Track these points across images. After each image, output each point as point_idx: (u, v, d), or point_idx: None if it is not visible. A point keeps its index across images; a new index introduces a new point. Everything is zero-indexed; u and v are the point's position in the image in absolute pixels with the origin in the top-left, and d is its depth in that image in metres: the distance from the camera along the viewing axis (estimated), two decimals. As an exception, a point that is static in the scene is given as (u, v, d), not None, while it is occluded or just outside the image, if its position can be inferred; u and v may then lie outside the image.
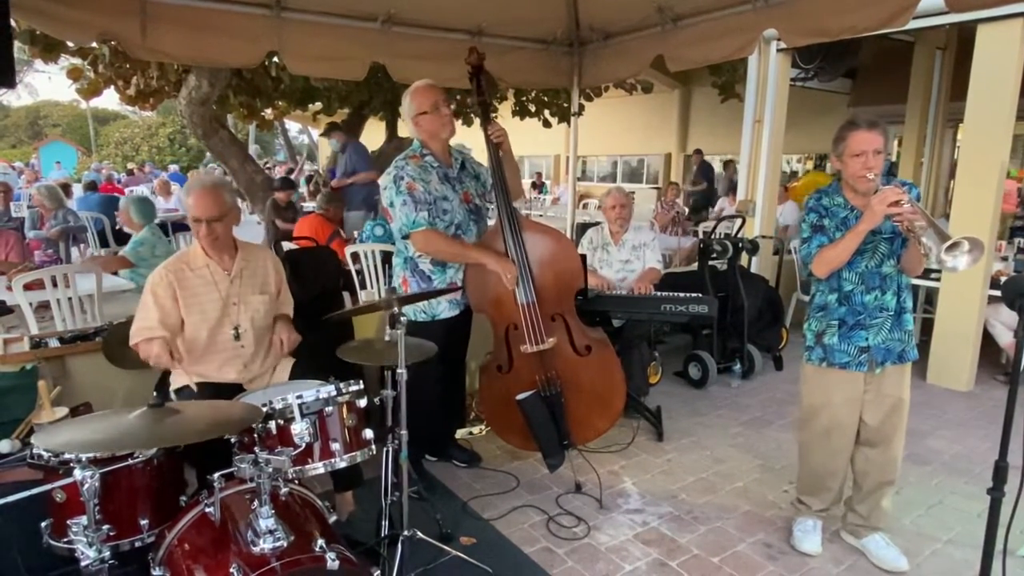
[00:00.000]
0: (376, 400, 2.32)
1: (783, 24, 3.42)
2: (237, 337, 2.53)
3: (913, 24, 3.22)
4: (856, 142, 2.29)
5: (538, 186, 17.04)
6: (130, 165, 23.02)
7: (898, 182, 2.29)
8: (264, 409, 1.96)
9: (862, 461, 2.59)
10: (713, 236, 4.89)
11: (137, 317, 2.43)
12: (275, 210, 6.64)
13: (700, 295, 3.55)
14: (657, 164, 16.83)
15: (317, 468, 2.02)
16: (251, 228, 8.88)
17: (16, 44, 4.85)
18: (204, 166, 20.95)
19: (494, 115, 3.17)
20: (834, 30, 3.29)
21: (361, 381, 2.16)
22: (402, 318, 2.21)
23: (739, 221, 5.57)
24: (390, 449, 2.38)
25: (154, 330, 2.39)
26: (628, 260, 4.09)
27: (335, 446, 2.04)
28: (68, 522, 1.67)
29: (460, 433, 3.58)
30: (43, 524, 1.92)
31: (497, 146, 2.98)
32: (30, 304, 3.82)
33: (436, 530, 2.62)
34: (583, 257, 3.25)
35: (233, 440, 2.02)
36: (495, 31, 4.26)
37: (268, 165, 17.88)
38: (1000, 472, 1.78)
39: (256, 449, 1.93)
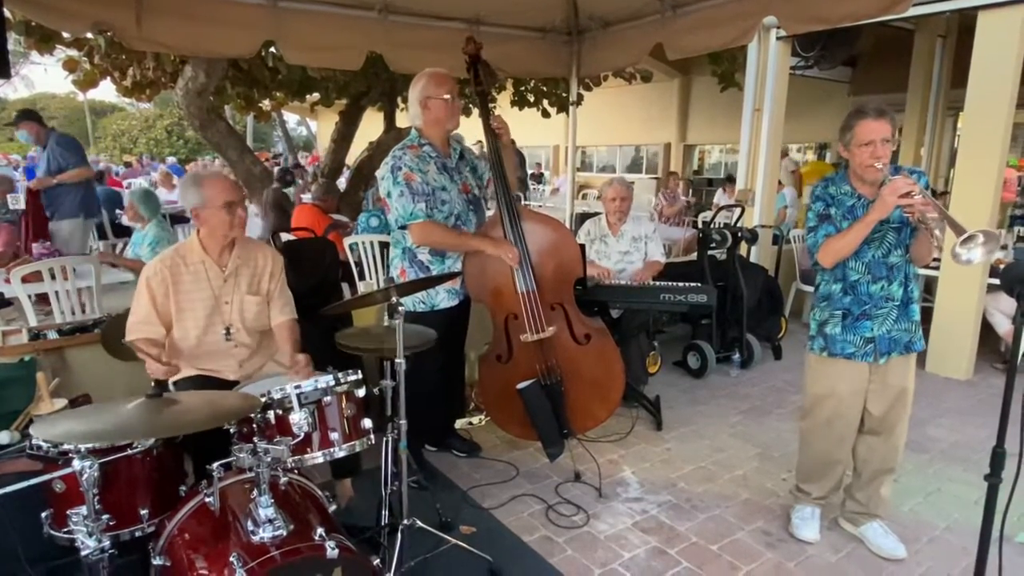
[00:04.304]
0: (376, 390, 2.32)
1: (783, 11, 3.40)
2: (228, 337, 2.49)
3: (914, 11, 3.21)
4: (864, 131, 2.26)
5: (537, 177, 16.98)
6: (127, 158, 22.92)
7: (907, 171, 2.26)
8: (262, 399, 1.96)
9: (864, 449, 2.59)
10: (712, 226, 4.88)
11: (133, 311, 2.41)
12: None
13: (699, 285, 3.55)
14: (657, 154, 16.78)
15: (316, 458, 2.02)
16: (249, 220, 8.86)
17: (12, 35, 4.82)
18: (203, 158, 20.87)
19: (492, 105, 3.15)
20: (834, 17, 3.27)
21: (360, 371, 2.16)
22: (400, 307, 2.20)
23: (738, 211, 5.56)
24: (390, 439, 2.38)
25: (151, 327, 2.38)
26: (627, 252, 4.08)
27: (334, 436, 2.03)
28: (68, 512, 1.68)
29: (460, 423, 3.59)
30: (43, 514, 1.92)
31: (497, 136, 2.97)
32: (29, 296, 3.82)
33: (436, 519, 2.63)
34: (582, 247, 3.25)
35: (232, 430, 2.02)
36: (493, 20, 4.24)
37: (275, 157, 17.86)
38: (997, 458, 1.78)
39: (255, 439, 1.93)
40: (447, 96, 2.87)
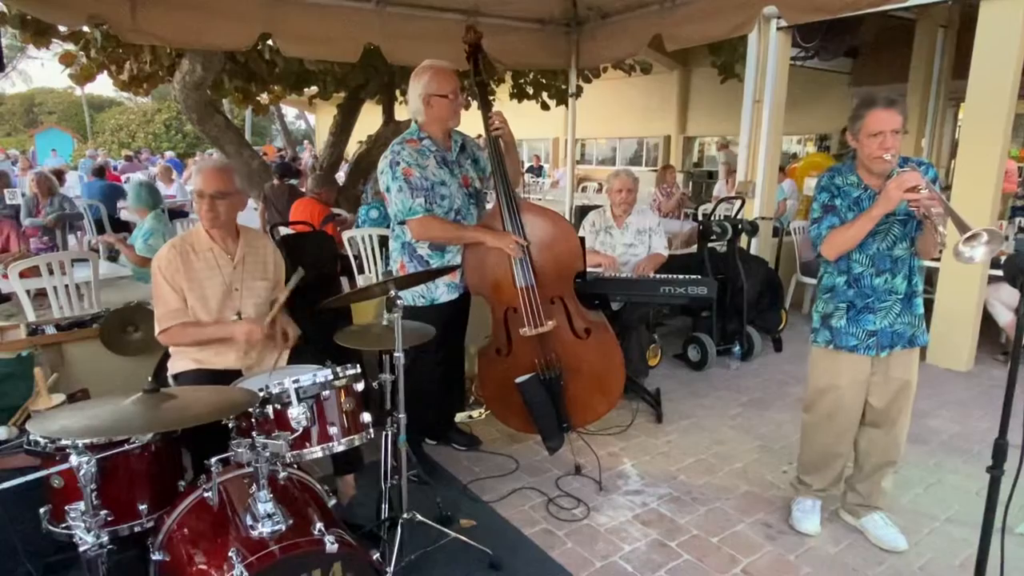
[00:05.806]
0: (375, 384, 2.32)
1: (783, 1, 3.37)
2: None
3: (915, 1, 3.18)
4: (874, 121, 2.21)
5: (536, 170, 16.94)
6: (126, 152, 22.86)
7: (914, 162, 2.23)
8: (261, 394, 1.95)
9: (866, 442, 2.58)
10: (713, 218, 4.87)
11: (159, 304, 2.43)
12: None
13: (699, 277, 3.54)
14: (657, 146, 16.73)
15: (315, 452, 2.02)
16: (250, 215, 8.83)
17: (8, 29, 4.80)
18: (202, 152, 20.83)
19: (492, 98, 3.12)
20: (835, 7, 3.24)
21: (359, 365, 2.15)
22: (399, 301, 2.19)
23: (738, 203, 5.54)
24: (389, 433, 2.38)
25: (181, 312, 2.42)
26: (632, 244, 4.06)
27: (333, 430, 2.03)
28: (66, 508, 1.66)
29: (460, 416, 3.58)
30: (42, 510, 1.91)
31: (497, 137, 2.92)
32: (27, 292, 3.81)
33: (436, 513, 2.63)
34: (582, 239, 3.23)
35: (230, 425, 2.02)
36: (491, 10, 4.21)
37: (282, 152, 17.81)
38: (1000, 450, 1.77)
39: (254, 434, 1.93)
40: (451, 95, 2.83)
